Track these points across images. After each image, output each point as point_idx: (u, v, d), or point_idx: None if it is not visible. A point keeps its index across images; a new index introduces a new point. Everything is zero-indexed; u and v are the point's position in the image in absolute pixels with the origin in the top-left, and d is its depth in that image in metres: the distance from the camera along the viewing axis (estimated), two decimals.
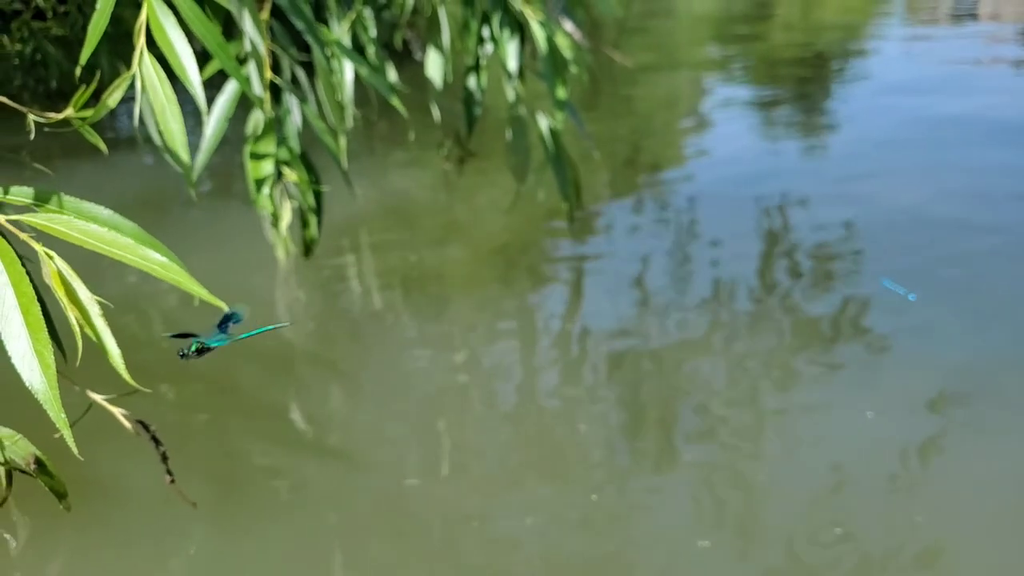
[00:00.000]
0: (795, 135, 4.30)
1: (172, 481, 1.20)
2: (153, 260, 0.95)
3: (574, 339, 2.29)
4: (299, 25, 1.74)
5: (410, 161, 3.61)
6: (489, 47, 1.99)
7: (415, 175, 3.46)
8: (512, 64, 1.83)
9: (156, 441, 1.18)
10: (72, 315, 0.91)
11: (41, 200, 1.05)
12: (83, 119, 1.43)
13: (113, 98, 1.53)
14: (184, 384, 2.00)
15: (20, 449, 1.27)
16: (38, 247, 0.92)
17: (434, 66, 2.10)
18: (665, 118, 4.73)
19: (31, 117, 1.15)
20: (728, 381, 2.08)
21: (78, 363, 0.92)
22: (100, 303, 0.92)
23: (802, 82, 5.37)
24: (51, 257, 0.92)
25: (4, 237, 0.95)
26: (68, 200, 1.04)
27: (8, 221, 0.95)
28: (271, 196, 1.76)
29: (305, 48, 1.90)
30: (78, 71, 1.24)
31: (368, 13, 2.31)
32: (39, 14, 5.17)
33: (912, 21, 7.42)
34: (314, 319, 2.44)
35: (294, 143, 1.77)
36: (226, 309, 0.97)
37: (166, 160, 1.56)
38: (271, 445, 1.81)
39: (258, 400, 1.98)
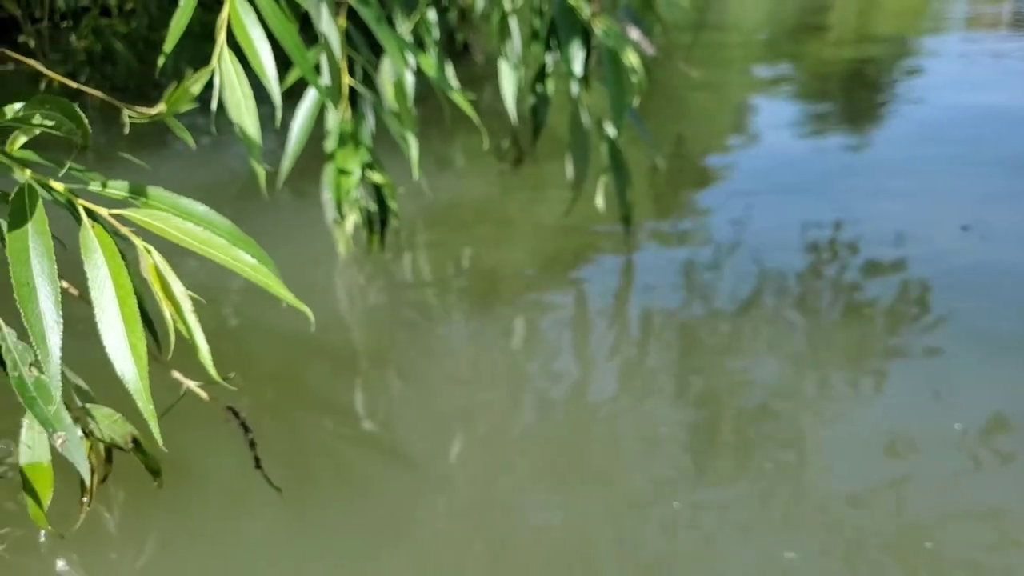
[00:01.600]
0: (843, 139, 4.26)
1: (258, 466, 1.25)
2: (244, 261, 0.98)
3: (632, 333, 2.29)
4: (371, 20, 1.76)
5: (466, 160, 3.65)
6: (556, 54, 2.01)
7: (471, 174, 3.49)
8: (577, 71, 1.84)
9: (245, 428, 1.23)
10: (166, 309, 0.95)
11: (136, 193, 1.09)
12: (163, 112, 1.48)
13: (193, 90, 1.58)
14: (251, 375, 2.06)
15: (118, 428, 1.33)
16: (138, 242, 0.96)
17: (507, 77, 2.11)
18: (714, 121, 4.71)
19: (126, 113, 1.19)
20: (797, 382, 2.07)
21: (170, 355, 0.96)
22: (192, 299, 0.96)
23: (854, 86, 5.31)
24: (149, 252, 0.96)
25: (105, 230, 0.99)
26: (165, 195, 1.08)
27: (112, 215, 0.99)
28: (353, 197, 1.80)
29: (374, 52, 1.94)
30: (160, 64, 1.28)
31: (432, 16, 2.34)
32: (106, 11, 5.31)
33: (971, 28, 7.30)
34: (374, 312, 2.49)
35: (370, 145, 1.81)
36: (309, 314, 1.01)
37: (225, 152, 1.60)
38: (335, 436, 1.85)
39: (321, 392, 2.02)
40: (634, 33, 1.93)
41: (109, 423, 1.36)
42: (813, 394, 2.06)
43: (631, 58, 1.75)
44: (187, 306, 0.95)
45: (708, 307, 2.44)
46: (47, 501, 1.33)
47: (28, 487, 1.33)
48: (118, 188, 1.10)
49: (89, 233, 0.97)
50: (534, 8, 2.01)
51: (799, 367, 2.18)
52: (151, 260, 0.95)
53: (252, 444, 1.29)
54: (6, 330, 1.25)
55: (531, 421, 1.95)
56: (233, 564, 1.43)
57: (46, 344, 0.97)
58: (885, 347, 2.24)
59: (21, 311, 0.96)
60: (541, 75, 2.06)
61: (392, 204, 2.18)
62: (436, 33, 2.28)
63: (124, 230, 0.98)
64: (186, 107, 1.53)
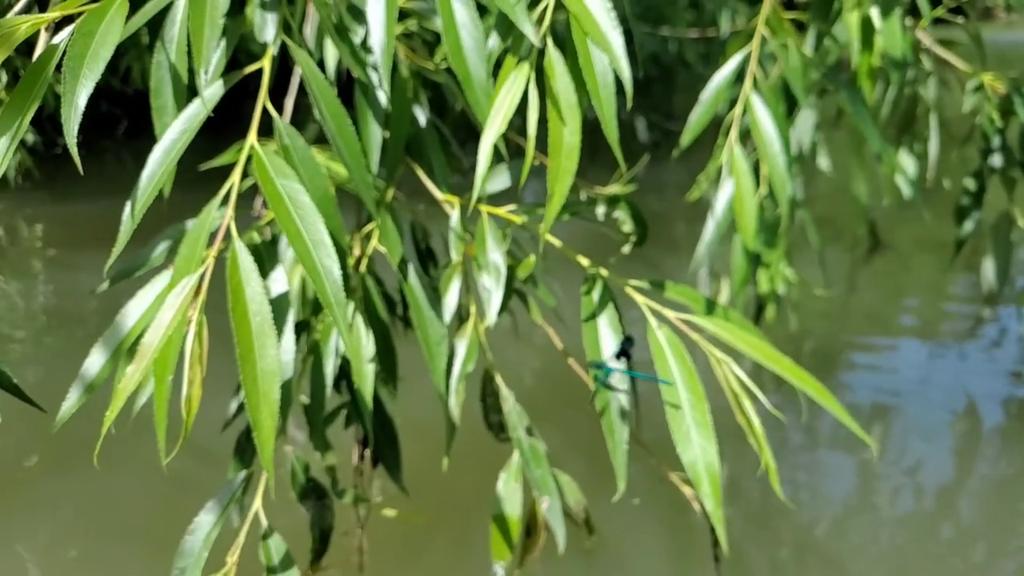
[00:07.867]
0: None
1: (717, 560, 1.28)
2: (809, 382, 1.01)
3: None
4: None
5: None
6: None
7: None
8: None
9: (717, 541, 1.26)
10: (741, 420, 0.99)
11: (657, 287, 1.14)
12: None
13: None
14: None
15: (574, 496, 1.41)
16: (716, 352, 1.00)
17: (906, 167, 2.02)
18: None
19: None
20: None
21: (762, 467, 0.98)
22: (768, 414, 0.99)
23: None
24: (726, 363, 1.00)
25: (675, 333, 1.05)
26: (685, 288, 1.12)
27: (680, 320, 1.04)
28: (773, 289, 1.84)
29: None
30: (683, 145, 1.34)
31: None
32: None
33: None
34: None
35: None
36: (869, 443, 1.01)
37: None
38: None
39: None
40: None
41: (569, 490, 1.44)
42: None
43: None
44: (757, 421, 0.98)
45: None
46: (510, 548, 1.44)
47: (497, 531, 1.44)
48: (649, 282, 1.15)
49: (659, 335, 1.03)
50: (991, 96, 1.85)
51: None
52: (729, 372, 0.99)
53: (715, 549, 1.31)
54: (505, 391, 1.37)
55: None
56: None
57: (614, 432, 1.04)
58: None
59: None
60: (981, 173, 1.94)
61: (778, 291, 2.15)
62: None
63: (696, 338, 1.02)
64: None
